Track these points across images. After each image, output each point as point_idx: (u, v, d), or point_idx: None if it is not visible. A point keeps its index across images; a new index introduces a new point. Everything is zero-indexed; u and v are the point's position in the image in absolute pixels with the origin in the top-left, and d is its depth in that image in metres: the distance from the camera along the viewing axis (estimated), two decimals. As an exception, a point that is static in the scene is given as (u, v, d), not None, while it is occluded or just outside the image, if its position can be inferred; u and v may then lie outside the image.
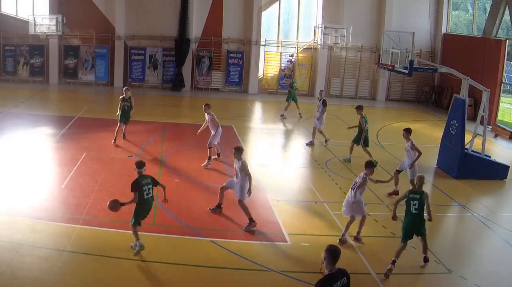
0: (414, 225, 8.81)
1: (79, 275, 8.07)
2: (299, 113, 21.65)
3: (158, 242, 9.42)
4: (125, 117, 15.84)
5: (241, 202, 10.34)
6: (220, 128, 14.10)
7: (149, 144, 16.18)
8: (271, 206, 11.53)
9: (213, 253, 9.15)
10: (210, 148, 14.08)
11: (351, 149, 15.54)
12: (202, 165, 14.02)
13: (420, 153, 12.34)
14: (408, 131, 12.77)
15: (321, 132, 17.34)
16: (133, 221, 8.79)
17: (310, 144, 17.25)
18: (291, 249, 9.61)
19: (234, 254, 9.13)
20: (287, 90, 22.40)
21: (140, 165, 9.08)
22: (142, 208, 8.85)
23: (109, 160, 14.15)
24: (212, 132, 14.04)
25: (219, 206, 10.95)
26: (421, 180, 9.06)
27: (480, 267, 9.21)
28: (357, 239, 9.92)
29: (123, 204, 8.68)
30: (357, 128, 15.49)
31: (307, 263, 9.08)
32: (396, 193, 12.52)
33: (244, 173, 10.24)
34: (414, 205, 8.76)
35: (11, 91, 24.41)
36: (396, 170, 12.87)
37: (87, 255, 8.66)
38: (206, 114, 14.08)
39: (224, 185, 10.91)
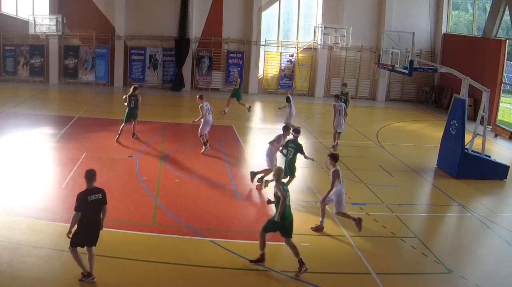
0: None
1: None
2: (248, 108, 21.51)
3: (158, 242, 9.43)
4: (132, 114, 15.95)
5: (339, 214, 10.29)
6: (208, 118, 15.24)
7: (149, 144, 16.18)
8: (271, 206, 11.51)
9: (213, 253, 9.15)
10: (201, 136, 15.39)
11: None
12: (201, 151, 15.19)
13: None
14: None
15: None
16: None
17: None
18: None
19: (234, 254, 9.13)
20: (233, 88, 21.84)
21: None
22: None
23: (109, 160, 14.16)
24: (202, 121, 15.30)
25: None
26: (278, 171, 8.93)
27: (480, 267, 9.21)
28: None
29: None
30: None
31: (307, 263, 9.06)
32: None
33: (332, 181, 10.06)
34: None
35: (11, 91, 24.42)
36: None
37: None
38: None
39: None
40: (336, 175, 10.12)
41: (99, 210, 7.78)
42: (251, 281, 8.52)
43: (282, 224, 8.57)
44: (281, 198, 8.47)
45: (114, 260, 8.62)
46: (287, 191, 8.81)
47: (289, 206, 8.71)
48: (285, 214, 8.60)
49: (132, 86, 16.49)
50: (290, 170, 11.80)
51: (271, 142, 12.54)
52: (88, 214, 7.63)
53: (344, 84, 19.13)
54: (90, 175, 7.68)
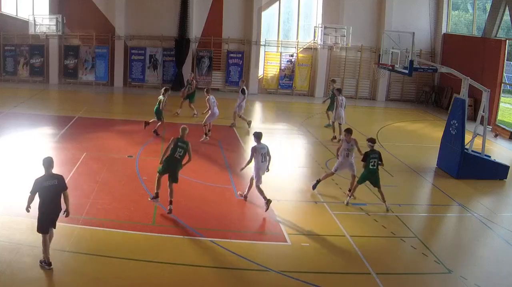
0: None
1: (79, 275, 8.08)
2: (194, 114, 20.52)
3: (158, 242, 9.43)
4: (157, 113, 16.94)
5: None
6: (213, 110, 16.67)
7: (149, 143, 16.18)
8: (271, 206, 11.51)
9: (213, 253, 9.15)
10: (204, 125, 16.66)
11: (328, 116, 19.43)
12: (200, 140, 16.32)
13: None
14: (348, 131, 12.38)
15: (240, 116, 19.12)
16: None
17: (232, 126, 19.05)
18: (291, 249, 9.61)
19: (234, 254, 9.13)
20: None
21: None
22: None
23: (109, 160, 14.15)
24: (209, 112, 16.73)
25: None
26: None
27: (480, 267, 9.21)
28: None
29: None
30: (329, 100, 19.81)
31: (307, 263, 9.09)
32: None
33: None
34: None
35: (11, 91, 24.42)
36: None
37: (87, 255, 8.66)
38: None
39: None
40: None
41: (58, 195, 8.20)
42: (251, 281, 8.52)
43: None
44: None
45: (114, 260, 8.63)
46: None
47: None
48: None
49: (163, 88, 17.49)
50: (375, 181, 11.72)
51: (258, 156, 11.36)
52: (47, 199, 8.09)
53: (333, 81, 21.29)
54: (46, 163, 8.25)
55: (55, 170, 8.41)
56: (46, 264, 8.13)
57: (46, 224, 8.17)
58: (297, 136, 19.32)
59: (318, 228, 10.55)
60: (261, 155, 11.19)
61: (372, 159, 11.49)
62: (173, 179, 10.78)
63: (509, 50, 22.98)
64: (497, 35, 23.06)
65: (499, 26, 22.95)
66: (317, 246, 9.78)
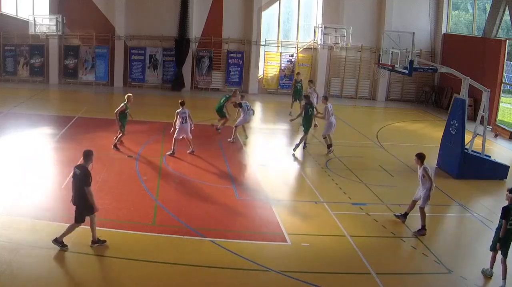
0: None
1: (79, 275, 8.07)
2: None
3: (158, 242, 9.43)
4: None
5: (422, 209, 10.56)
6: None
7: (149, 143, 16.18)
8: (271, 206, 11.53)
9: (213, 253, 9.15)
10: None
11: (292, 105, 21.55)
12: (228, 139, 16.83)
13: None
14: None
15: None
16: None
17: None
18: (291, 249, 9.60)
19: (234, 254, 9.12)
20: None
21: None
22: None
23: (109, 160, 14.15)
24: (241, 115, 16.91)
25: (405, 215, 11.06)
26: None
27: (480, 267, 9.19)
28: None
29: None
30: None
31: (307, 263, 9.08)
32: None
33: (426, 179, 10.46)
34: None
35: (11, 91, 24.42)
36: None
37: (87, 255, 8.66)
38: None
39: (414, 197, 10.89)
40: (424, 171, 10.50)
41: (76, 186, 8.74)
42: (251, 281, 8.52)
43: None
44: None
45: (114, 260, 8.63)
46: None
47: None
48: None
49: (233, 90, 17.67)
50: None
51: None
52: (72, 185, 8.84)
53: (298, 73, 23.39)
54: (84, 153, 8.86)
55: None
56: (61, 245, 8.66)
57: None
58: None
59: (318, 228, 10.55)
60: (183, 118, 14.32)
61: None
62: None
63: (509, 50, 22.98)
64: (497, 35, 23.05)
65: (499, 26, 22.95)
66: (317, 246, 9.78)
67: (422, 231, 10.47)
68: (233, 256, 9.06)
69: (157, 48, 27.43)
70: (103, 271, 8.26)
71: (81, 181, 8.58)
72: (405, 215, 11.05)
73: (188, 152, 15.01)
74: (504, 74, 23.05)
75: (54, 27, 25.32)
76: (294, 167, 15.08)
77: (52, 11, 26.16)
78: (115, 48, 27.07)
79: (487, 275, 8.85)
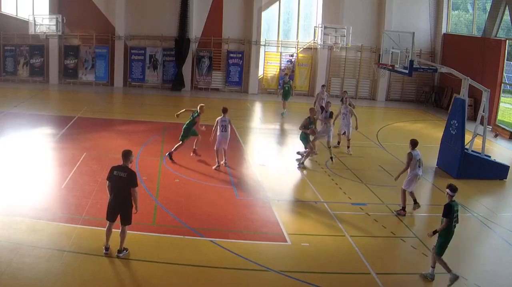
0: None
1: (79, 275, 8.07)
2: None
3: (158, 242, 9.43)
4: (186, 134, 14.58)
5: (403, 191, 11.54)
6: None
7: (149, 143, 16.18)
8: (271, 206, 11.53)
9: (213, 253, 9.15)
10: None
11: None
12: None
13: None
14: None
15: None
16: None
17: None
18: (291, 249, 9.61)
19: (234, 254, 9.12)
20: None
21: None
22: None
23: (109, 160, 14.10)
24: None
25: (415, 202, 11.79)
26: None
27: (480, 267, 9.21)
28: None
29: None
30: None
31: (307, 263, 9.08)
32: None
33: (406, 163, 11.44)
34: None
35: (11, 91, 24.42)
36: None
37: (87, 255, 8.66)
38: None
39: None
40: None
41: (124, 189, 8.49)
42: (251, 281, 8.52)
43: None
44: None
45: (114, 260, 8.62)
46: None
47: None
48: None
49: (199, 105, 14.77)
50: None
51: None
52: (114, 189, 8.55)
53: (286, 74, 23.93)
54: (122, 154, 8.68)
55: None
56: (105, 248, 8.66)
57: (108, 212, 8.68)
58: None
59: (318, 228, 10.56)
60: (223, 126, 13.70)
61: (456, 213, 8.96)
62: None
63: (509, 50, 22.98)
64: (497, 35, 23.05)
65: (499, 26, 22.94)
66: (317, 246, 9.78)
67: (401, 212, 11.44)
68: (233, 256, 9.06)
69: (157, 48, 27.43)
70: (103, 271, 8.26)
71: (131, 183, 8.51)
72: (415, 202, 11.77)
73: (222, 162, 14.04)
74: (504, 74, 23.05)
75: (54, 27, 25.33)
76: (294, 167, 15.07)
77: (52, 11, 26.15)
78: (115, 48, 27.06)
79: (429, 278, 8.69)
